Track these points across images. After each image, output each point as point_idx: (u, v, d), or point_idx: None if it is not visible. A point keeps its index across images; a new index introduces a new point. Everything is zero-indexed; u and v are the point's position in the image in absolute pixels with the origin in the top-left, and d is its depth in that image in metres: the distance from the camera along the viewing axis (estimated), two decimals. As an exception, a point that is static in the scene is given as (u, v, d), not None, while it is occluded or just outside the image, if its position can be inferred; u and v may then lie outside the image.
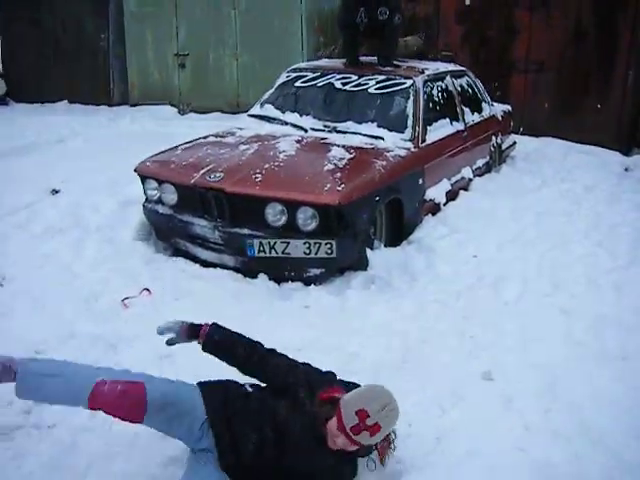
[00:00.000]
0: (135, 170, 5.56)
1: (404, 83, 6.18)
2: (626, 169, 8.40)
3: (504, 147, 8.27)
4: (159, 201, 5.47)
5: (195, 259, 5.32)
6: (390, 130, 5.82)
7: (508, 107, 8.74)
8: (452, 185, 6.44)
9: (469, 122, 7.04)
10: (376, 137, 5.74)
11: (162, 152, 5.78)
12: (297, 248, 4.76)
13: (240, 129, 6.22)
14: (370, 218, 5.10)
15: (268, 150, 5.45)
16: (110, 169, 7.19)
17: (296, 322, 4.41)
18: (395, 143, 5.70)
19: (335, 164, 5.12)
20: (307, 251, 4.74)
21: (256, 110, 6.63)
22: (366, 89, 6.19)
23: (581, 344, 4.08)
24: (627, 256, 5.46)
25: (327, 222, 4.73)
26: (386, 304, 4.65)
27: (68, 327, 4.27)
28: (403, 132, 5.85)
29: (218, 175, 5.02)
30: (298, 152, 5.43)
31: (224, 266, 5.16)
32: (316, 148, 5.58)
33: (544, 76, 9.86)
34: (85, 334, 4.20)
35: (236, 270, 5.11)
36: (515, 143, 8.75)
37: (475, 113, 7.36)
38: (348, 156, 5.29)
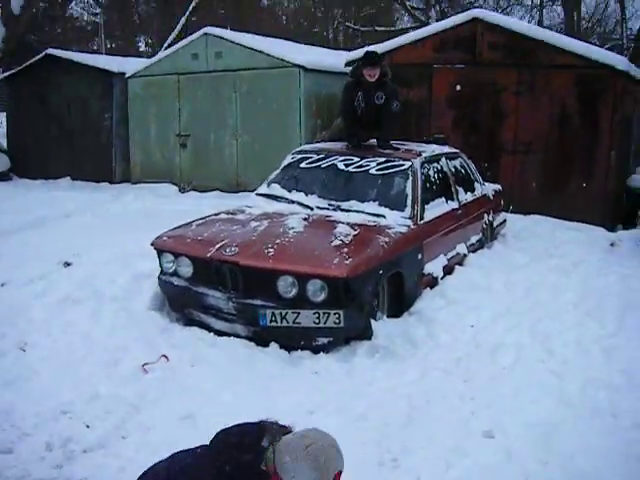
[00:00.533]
0: (152, 244, 5.85)
1: (403, 165, 6.53)
2: (612, 244, 8.66)
3: (495, 224, 8.55)
4: (174, 274, 5.73)
5: (208, 329, 5.53)
6: (391, 209, 6.15)
7: (498, 186, 9.06)
8: (448, 260, 6.73)
9: (463, 201, 7.36)
10: (378, 215, 6.06)
11: (176, 228, 6.08)
12: (307, 318, 5.02)
13: (249, 207, 6.51)
14: (374, 290, 5.39)
15: (278, 227, 5.76)
16: (118, 243, 7.46)
17: (306, 387, 4.66)
18: (396, 220, 6.01)
19: (341, 240, 5.41)
20: (316, 321, 5.00)
21: (263, 189, 6.94)
22: (368, 170, 6.53)
23: (573, 404, 4.34)
24: (614, 324, 5.72)
25: (335, 294, 5.00)
26: (391, 370, 4.90)
27: (92, 389, 4.52)
28: (403, 210, 6.16)
29: (233, 249, 5.32)
30: (306, 229, 5.73)
31: (236, 335, 5.36)
32: (322, 225, 5.89)
33: (531, 157, 10.25)
34: (108, 396, 4.45)
35: (248, 339, 5.33)
36: (505, 221, 9.04)
37: (468, 192, 7.69)
38: (353, 232, 5.59)
